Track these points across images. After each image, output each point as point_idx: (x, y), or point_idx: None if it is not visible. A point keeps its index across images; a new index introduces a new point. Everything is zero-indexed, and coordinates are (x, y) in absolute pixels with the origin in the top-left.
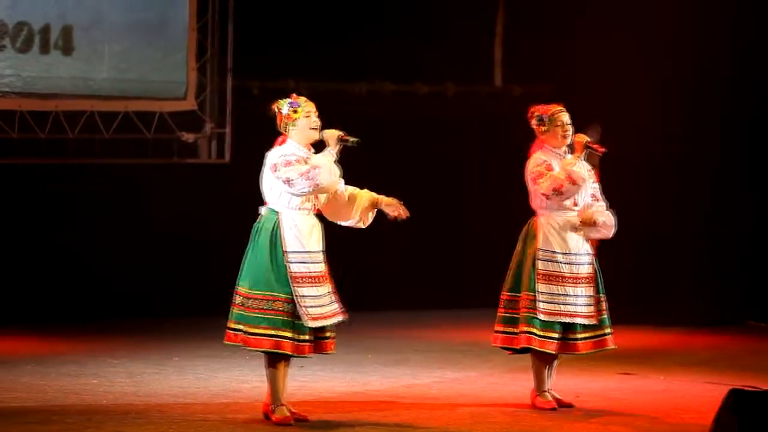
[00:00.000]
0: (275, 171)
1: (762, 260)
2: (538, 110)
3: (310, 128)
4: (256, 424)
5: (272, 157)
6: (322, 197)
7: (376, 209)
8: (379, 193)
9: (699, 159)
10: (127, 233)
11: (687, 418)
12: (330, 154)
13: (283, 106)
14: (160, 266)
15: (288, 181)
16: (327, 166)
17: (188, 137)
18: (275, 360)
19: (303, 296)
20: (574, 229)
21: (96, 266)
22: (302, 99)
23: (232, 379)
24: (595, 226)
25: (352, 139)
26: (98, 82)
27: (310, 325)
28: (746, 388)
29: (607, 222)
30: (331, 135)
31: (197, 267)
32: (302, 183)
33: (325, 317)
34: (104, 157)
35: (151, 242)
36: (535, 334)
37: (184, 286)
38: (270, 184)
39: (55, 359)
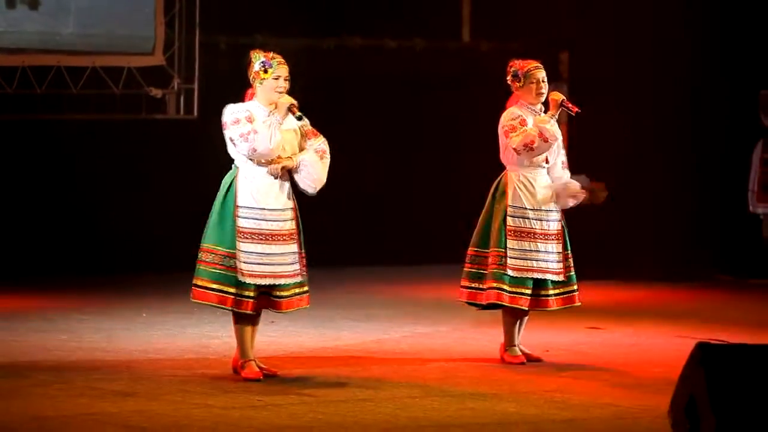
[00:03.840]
0: (225, 129)
1: (729, 214)
2: (515, 65)
3: (275, 91)
4: (225, 380)
5: (225, 114)
6: (287, 152)
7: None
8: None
9: (666, 119)
10: (94, 189)
11: (655, 372)
12: (275, 121)
13: (256, 62)
14: (128, 222)
15: (231, 140)
16: (266, 133)
17: (156, 92)
18: (240, 316)
19: (243, 251)
20: (547, 187)
21: (63, 222)
22: (276, 60)
23: (202, 335)
24: (557, 199)
25: (297, 113)
26: (65, 37)
27: (245, 281)
28: (713, 342)
29: (570, 187)
30: (283, 103)
31: (165, 222)
32: (242, 145)
33: (271, 276)
34: (72, 112)
35: (120, 198)
36: (505, 290)
37: (152, 241)
38: (228, 141)
39: (24, 315)
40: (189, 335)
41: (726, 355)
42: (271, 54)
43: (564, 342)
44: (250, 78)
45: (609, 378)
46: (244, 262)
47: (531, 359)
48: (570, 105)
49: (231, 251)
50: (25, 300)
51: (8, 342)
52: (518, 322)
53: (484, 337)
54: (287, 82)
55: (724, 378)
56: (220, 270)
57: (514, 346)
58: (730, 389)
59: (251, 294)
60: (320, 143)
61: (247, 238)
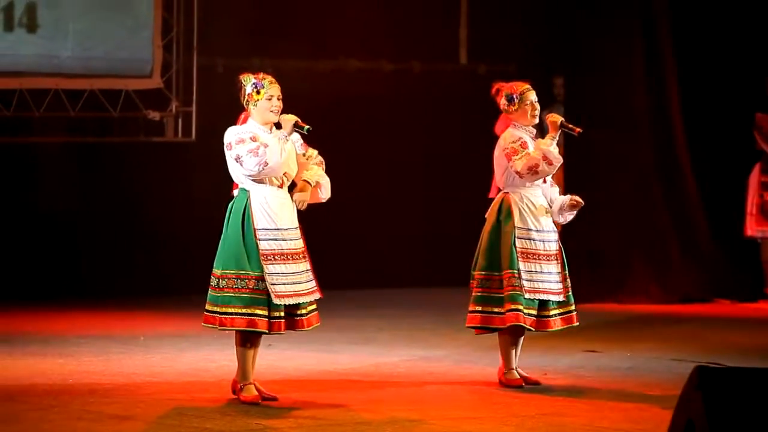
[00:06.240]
0: (230, 149)
1: (728, 237)
2: (505, 88)
3: (270, 111)
4: (224, 404)
5: (228, 135)
6: (292, 173)
7: (312, 184)
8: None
9: (662, 142)
10: (92, 211)
11: (652, 395)
12: (282, 137)
13: (248, 84)
14: (125, 244)
15: (238, 159)
16: (277, 147)
17: (154, 115)
18: (246, 339)
19: (270, 274)
20: (543, 207)
21: (62, 244)
22: (267, 80)
23: (200, 358)
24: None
25: (305, 126)
26: (63, 60)
27: (276, 303)
28: (712, 365)
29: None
30: (288, 119)
31: (163, 245)
32: (251, 161)
33: (295, 295)
34: (70, 135)
35: (117, 220)
36: (522, 311)
37: (149, 264)
38: (232, 163)
39: (21, 338)
40: (187, 358)
41: (724, 379)
42: (261, 75)
43: (562, 365)
44: (244, 102)
45: (607, 401)
46: (273, 284)
47: (529, 382)
48: (571, 126)
49: (259, 274)
50: (22, 323)
51: (5, 365)
52: (515, 345)
53: (482, 360)
54: (280, 101)
55: (722, 402)
56: (249, 294)
57: (513, 369)
58: (729, 413)
59: (282, 314)
60: (317, 154)
61: (270, 259)
